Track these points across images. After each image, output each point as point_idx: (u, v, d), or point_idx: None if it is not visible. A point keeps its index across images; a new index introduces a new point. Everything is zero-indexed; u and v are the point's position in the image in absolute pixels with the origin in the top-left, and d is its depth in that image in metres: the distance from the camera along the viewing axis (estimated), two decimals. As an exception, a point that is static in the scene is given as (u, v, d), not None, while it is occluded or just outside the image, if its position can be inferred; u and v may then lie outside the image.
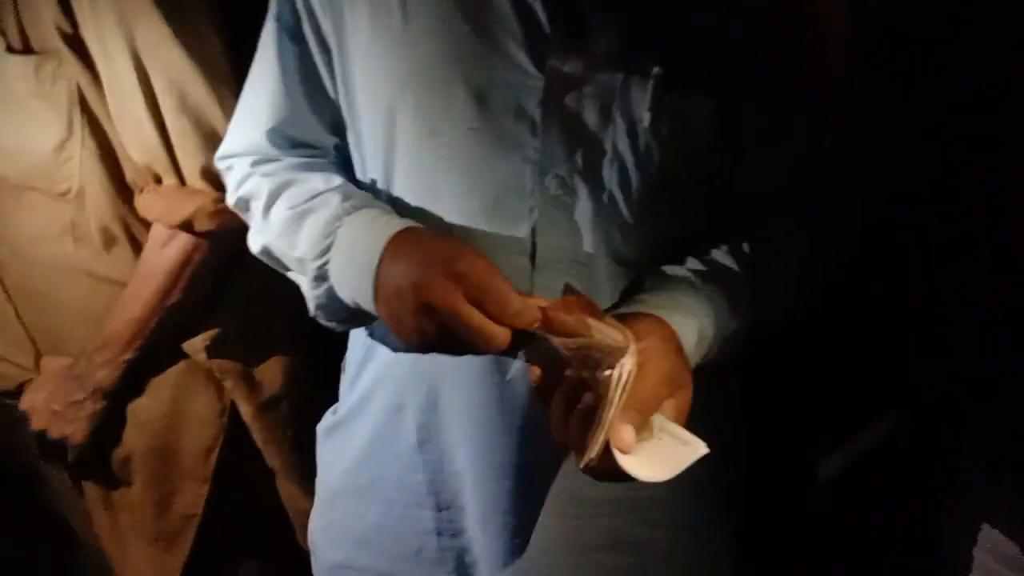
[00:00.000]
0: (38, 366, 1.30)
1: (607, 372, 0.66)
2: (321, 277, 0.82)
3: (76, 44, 1.11)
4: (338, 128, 0.90)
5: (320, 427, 1.03)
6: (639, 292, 0.81)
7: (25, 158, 1.17)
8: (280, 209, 0.86)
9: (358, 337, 0.97)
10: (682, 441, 0.69)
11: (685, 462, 0.68)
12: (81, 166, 1.17)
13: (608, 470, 0.68)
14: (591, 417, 0.67)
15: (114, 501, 1.33)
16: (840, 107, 0.86)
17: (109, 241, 1.21)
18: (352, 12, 0.82)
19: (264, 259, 0.91)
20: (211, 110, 1.13)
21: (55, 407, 1.25)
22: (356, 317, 0.84)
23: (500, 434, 0.88)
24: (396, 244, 0.76)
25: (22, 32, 1.12)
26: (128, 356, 1.23)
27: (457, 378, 0.88)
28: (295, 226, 0.84)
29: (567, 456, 0.88)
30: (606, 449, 0.67)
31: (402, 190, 0.86)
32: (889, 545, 1.09)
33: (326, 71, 0.87)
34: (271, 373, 1.33)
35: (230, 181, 0.94)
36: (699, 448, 0.68)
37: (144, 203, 1.18)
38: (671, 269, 0.83)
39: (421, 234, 0.77)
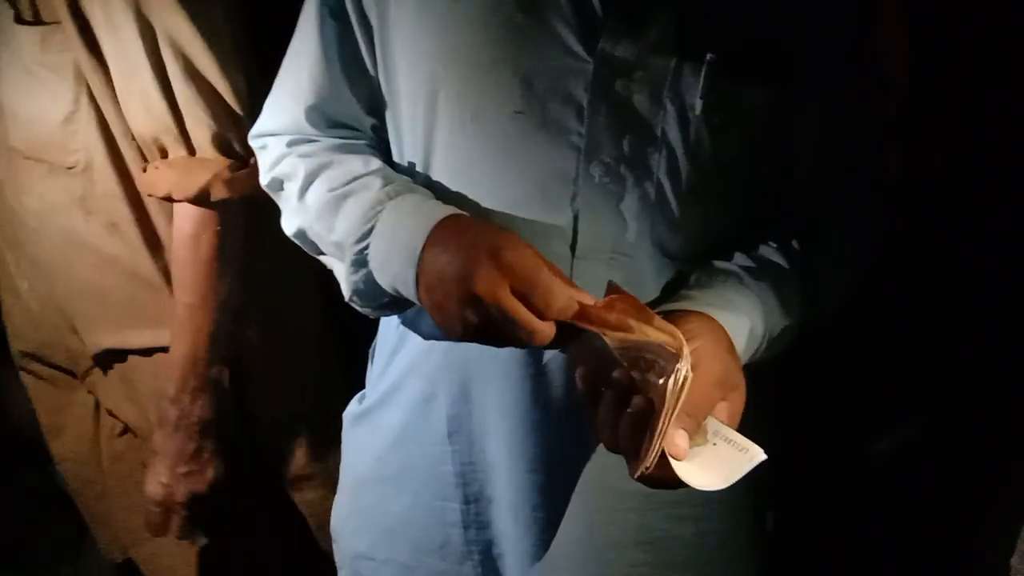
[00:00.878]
0: (49, 343, 1.28)
1: (662, 380, 0.63)
2: (360, 262, 0.80)
3: (79, 16, 1.08)
4: (377, 109, 0.88)
5: (347, 413, 1.01)
6: (686, 287, 0.79)
7: (35, 129, 1.15)
8: (318, 191, 0.84)
9: (389, 324, 0.95)
10: (738, 447, 0.66)
11: (742, 470, 0.65)
12: (87, 140, 1.15)
13: (662, 478, 0.66)
14: (642, 422, 0.65)
15: (128, 486, 1.31)
16: (894, 104, 0.84)
17: (118, 219, 1.18)
18: None
19: (298, 242, 0.89)
20: (218, 78, 1.09)
21: (181, 471, 1.20)
22: (393, 304, 0.83)
23: (533, 427, 0.86)
24: (441, 231, 0.74)
25: (32, 2, 1.11)
26: (211, 372, 1.18)
27: (491, 369, 0.86)
28: (334, 209, 0.82)
29: (600, 450, 0.87)
30: (660, 456, 0.65)
31: (440, 174, 0.84)
32: (922, 544, 1.07)
33: (367, 50, 0.85)
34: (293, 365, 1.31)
35: (264, 160, 0.92)
36: (756, 455, 0.66)
37: (153, 179, 1.14)
38: (719, 264, 0.81)
39: (467, 221, 0.75)
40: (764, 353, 0.79)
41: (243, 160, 1.13)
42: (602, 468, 0.88)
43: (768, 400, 0.88)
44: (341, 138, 0.90)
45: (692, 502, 0.90)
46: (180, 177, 1.12)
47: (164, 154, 1.13)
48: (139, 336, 1.23)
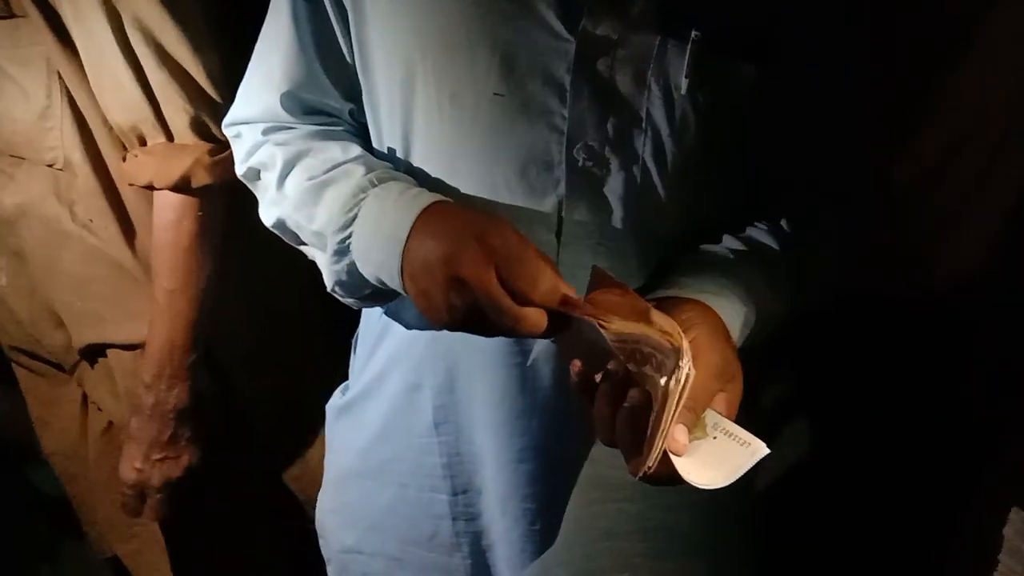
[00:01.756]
0: (34, 338, 1.26)
1: (664, 378, 0.61)
2: (342, 251, 0.78)
3: (46, 7, 1.06)
4: (354, 94, 0.86)
5: (330, 406, 1.00)
6: (677, 273, 0.77)
7: (10, 126, 1.13)
8: (297, 180, 0.82)
9: (372, 314, 0.93)
10: (739, 440, 0.64)
11: (745, 465, 0.63)
12: (63, 136, 1.12)
13: (663, 475, 0.64)
14: (639, 416, 0.63)
15: (113, 483, 1.28)
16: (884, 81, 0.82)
17: (99, 211, 1.16)
18: None
19: (277, 232, 0.87)
20: (192, 61, 1.07)
21: (156, 457, 1.19)
22: (376, 295, 0.80)
23: (521, 417, 0.84)
24: (427, 218, 0.72)
25: None
26: (189, 359, 1.16)
27: (477, 358, 0.84)
28: (314, 198, 0.80)
29: (590, 440, 0.86)
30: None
31: (420, 159, 0.82)
32: (915, 530, 1.07)
33: (342, 33, 0.82)
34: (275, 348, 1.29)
35: (239, 149, 0.90)
36: (759, 449, 0.63)
37: (133, 168, 1.12)
38: (710, 248, 0.79)
39: (453, 208, 0.73)
40: (755, 338, 0.77)
41: (223, 144, 1.10)
42: (592, 458, 0.87)
43: (759, 389, 0.87)
44: (318, 124, 0.88)
45: (685, 491, 0.88)
46: (160, 164, 1.10)
47: (143, 142, 1.11)
48: (122, 330, 1.21)
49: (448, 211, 0.73)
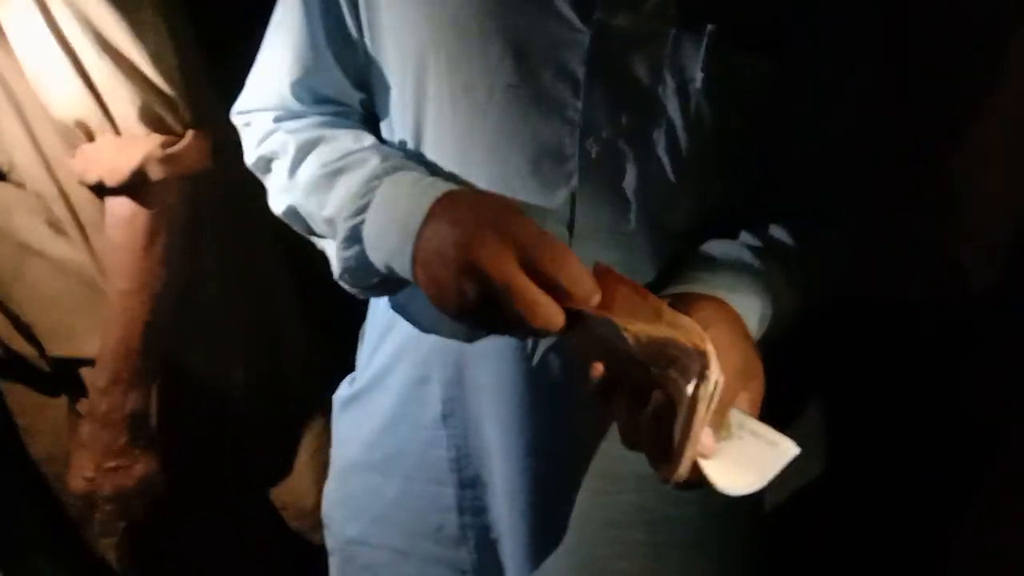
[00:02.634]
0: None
1: (691, 384, 0.59)
2: (353, 238, 0.77)
3: None
4: (365, 83, 0.85)
5: (336, 397, 0.99)
6: (692, 268, 0.76)
7: None
8: (309, 168, 0.81)
9: (379, 305, 0.92)
10: (767, 441, 0.62)
11: (775, 466, 0.61)
12: (8, 137, 1.06)
13: (693, 480, 0.62)
14: (663, 420, 0.61)
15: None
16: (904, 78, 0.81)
17: (57, 218, 1.10)
18: None
19: (287, 220, 0.86)
20: (135, 48, 1.00)
21: (108, 465, 1.13)
22: (384, 284, 0.80)
23: (530, 411, 0.84)
24: (442, 206, 0.71)
25: None
26: (145, 364, 1.10)
27: (486, 351, 0.83)
28: (326, 185, 0.79)
29: (598, 434, 0.85)
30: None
31: (431, 151, 0.81)
32: (917, 528, 1.06)
33: (353, 21, 0.82)
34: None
35: (248, 138, 0.89)
36: (788, 448, 0.61)
37: (83, 164, 1.04)
38: (724, 243, 0.79)
39: (468, 195, 0.72)
40: (771, 335, 0.76)
41: (178, 135, 1.05)
42: (600, 451, 0.86)
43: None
44: (329, 113, 0.87)
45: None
46: (111, 160, 1.03)
47: (90, 138, 1.04)
48: (94, 343, 1.13)
49: (464, 198, 0.71)
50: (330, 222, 0.80)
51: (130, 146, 1.03)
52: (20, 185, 1.09)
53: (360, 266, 0.78)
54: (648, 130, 0.75)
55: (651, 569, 0.90)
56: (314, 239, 0.85)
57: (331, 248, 0.82)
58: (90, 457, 1.13)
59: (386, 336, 0.91)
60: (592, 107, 0.75)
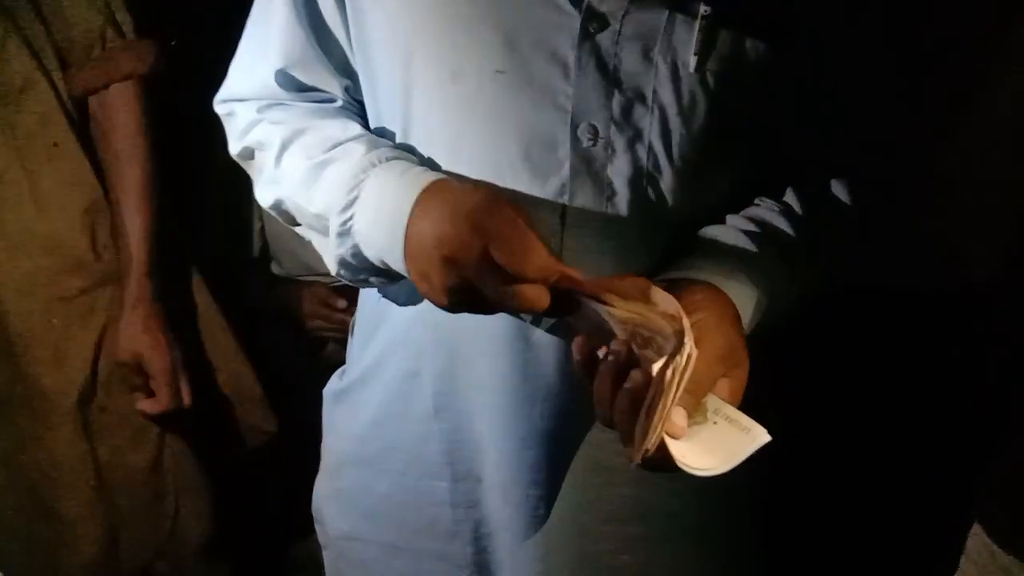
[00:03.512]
0: None
1: (663, 359, 0.59)
2: (345, 233, 0.75)
3: None
4: (351, 71, 0.84)
5: (327, 391, 0.98)
6: (687, 255, 0.75)
7: None
8: (295, 160, 0.80)
9: (370, 297, 0.91)
10: (740, 427, 0.62)
11: (744, 451, 0.61)
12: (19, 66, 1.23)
13: (659, 460, 0.62)
14: (638, 400, 0.61)
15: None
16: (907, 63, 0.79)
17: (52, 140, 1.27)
18: None
19: (274, 213, 0.85)
20: None
21: (158, 340, 1.29)
22: (382, 277, 0.78)
23: (523, 403, 0.82)
24: (425, 199, 0.70)
25: None
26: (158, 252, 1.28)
27: (478, 344, 0.82)
28: (313, 178, 0.78)
29: (592, 425, 0.84)
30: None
31: (420, 141, 0.79)
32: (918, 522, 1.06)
33: (338, 7, 0.80)
34: None
35: (232, 128, 0.87)
36: (759, 436, 0.61)
37: (112, 66, 1.26)
38: (720, 230, 0.77)
39: (450, 186, 0.71)
40: (765, 322, 0.75)
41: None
42: (594, 444, 0.85)
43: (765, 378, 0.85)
44: (314, 102, 0.85)
45: (687, 476, 0.86)
46: (139, 55, 1.24)
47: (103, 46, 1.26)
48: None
49: (445, 189, 0.70)
50: (319, 217, 0.78)
51: (143, 44, 1.29)
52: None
53: (356, 261, 0.77)
54: (639, 116, 0.74)
55: (651, 562, 0.89)
56: (299, 231, 0.84)
57: (322, 243, 0.80)
58: (156, 336, 1.30)
59: (378, 328, 0.89)
60: (583, 93, 0.73)
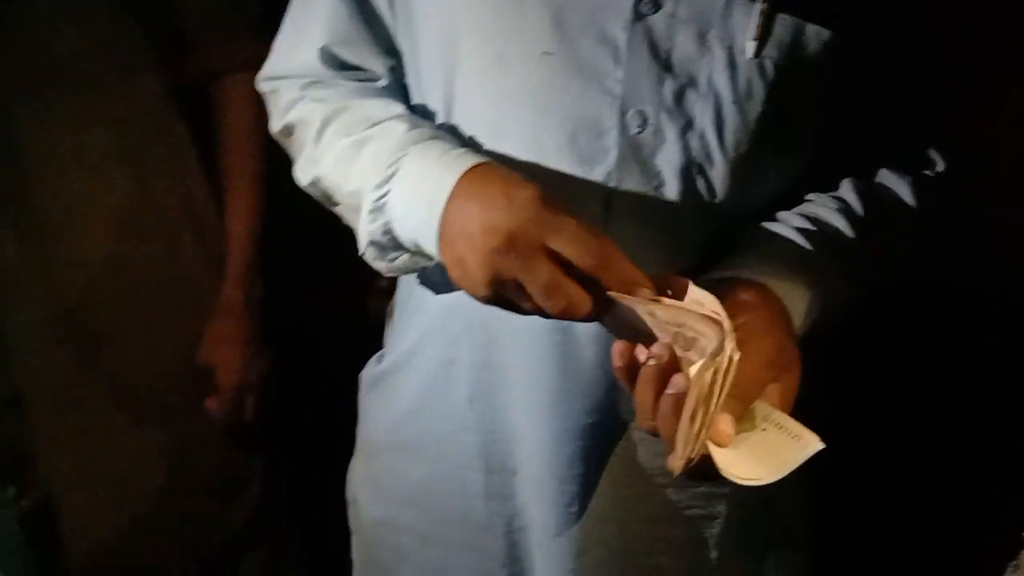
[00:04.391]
0: None
1: (700, 362, 0.56)
2: (379, 209, 0.73)
3: None
4: (396, 51, 0.82)
5: (364, 375, 0.96)
6: (737, 253, 0.72)
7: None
8: (334, 137, 0.78)
9: (408, 282, 0.89)
10: (790, 434, 0.58)
11: (794, 460, 0.57)
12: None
13: (704, 468, 0.59)
14: (681, 405, 0.58)
15: None
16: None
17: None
18: None
19: (311, 192, 0.83)
20: None
21: (251, 352, 1.27)
22: (410, 260, 0.76)
23: (560, 398, 0.80)
24: (471, 180, 0.66)
25: None
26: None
27: (516, 335, 0.80)
28: (352, 156, 0.76)
29: (631, 423, 0.82)
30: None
31: (464, 123, 0.77)
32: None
33: None
34: None
35: (275, 105, 0.86)
36: (811, 443, 0.58)
37: (228, 53, 1.24)
38: (773, 227, 0.74)
39: (499, 171, 0.67)
40: (822, 325, 0.71)
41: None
42: (632, 442, 0.83)
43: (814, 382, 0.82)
44: (358, 80, 0.83)
45: (730, 483, 0.84)
46: (262, 43, 1.17)
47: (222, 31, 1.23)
48: None
49: (494, 174, 0.67)
50: (355, 194, 0.76)
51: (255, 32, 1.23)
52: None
53: (386, 240, 0.75)
54: (692, 103, 0.71)
55: (689, 566, 0.86)
56: (337, 211, 0.82)
57: (356, 221, 0.78)
58: (235, 349, 1.27)
59: (415, 314, 0.88)
60: (633, 77, 0.70)
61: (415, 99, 0.82)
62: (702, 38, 0.69)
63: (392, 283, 0.94)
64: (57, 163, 1.18)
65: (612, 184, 0.73)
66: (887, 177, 0.78)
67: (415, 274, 0.86)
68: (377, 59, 0.82)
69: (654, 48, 0.70)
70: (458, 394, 0.85)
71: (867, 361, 1.04)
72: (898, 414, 1.12)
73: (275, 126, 0.86)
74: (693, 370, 0.57)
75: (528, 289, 0.62)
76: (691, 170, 0.73)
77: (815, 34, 0.69)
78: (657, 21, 0.69)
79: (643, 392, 0.61)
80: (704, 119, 0.71)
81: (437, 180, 0.68)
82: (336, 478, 1.01)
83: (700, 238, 0.75)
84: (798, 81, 0.70)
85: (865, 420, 1.09)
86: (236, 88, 1.27)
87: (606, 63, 0.70)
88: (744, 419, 0.60)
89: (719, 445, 0.58)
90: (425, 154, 0.71)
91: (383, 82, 0.84)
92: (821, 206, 0.76)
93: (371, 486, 0.95)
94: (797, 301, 0.68)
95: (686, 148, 0.72)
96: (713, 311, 0.58)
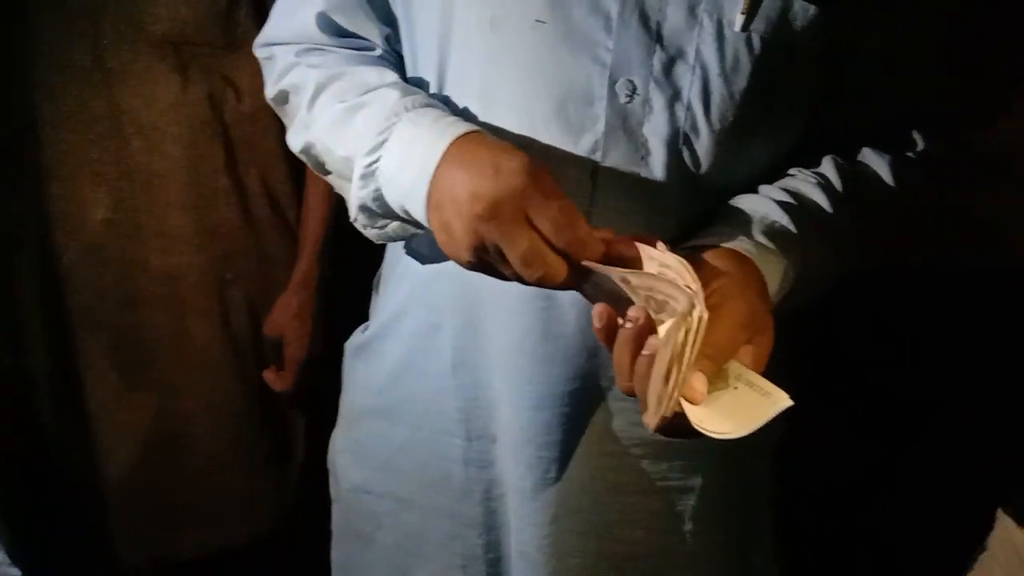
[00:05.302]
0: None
1: (671, 321, 0.58)
2: (369, 175, 0.74)
3: None
4: (391, 18, 0.83)
5: (348, 344, 0.97)
6: (717, 222, 0.73)
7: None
8: (328, 103, 0.79)
9: (394, 251, 0.90)
10: (761, 391, 0.60)
11: (764, 415, 0.59)
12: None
13: (677, 425, 0.60)
14: (656, 365, 0.59)
15: None
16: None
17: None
18: None
19: (304, 158, 0.84)
20: None
21: (308, 330, 1.30)
22: (400, 227, 0.78)
23: (540, 363, 0.81)
24: (461, 147, 0.68)
25: None
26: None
27: (499, 301, 0.81)
28: (344, 121, 0.77)
29: (611, 392, 0.83)
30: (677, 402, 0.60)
31: (456, 90, 0.78)
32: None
33: None
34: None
35: (270, 71, 0.87)
36: (780, 400, 0.60)
37: None
38: (753, 199, 0.75)
39: (489, 140, 0.69)
40: (797, 297, 0.73)
41: None
42: (610, 412, 0.84)
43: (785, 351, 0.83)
44: (353, 48, 0.84)
45: (705, 452, 0.85)
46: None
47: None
48: None
49: (484, 142, 0.69)
50: (347, 160, 0.77)
51: None
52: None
53: (376, 205, 0.76)
54: (680, 74, 0.72)
55: (661, 537, 0.88)
56: (330, 179, 0.83)
57: (347, 187, 0.79)
58: (304, 323, 1.31)
59: (400, 281, 0.89)
60: (624, 47, 0.72)
61: (409, 65, 0.83)
62: (692, 10, 0.70)
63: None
64: (155, 131, 1.24)
65: (599, 153, 0.74)
66: (869, 156, 0.80)
67: (402, 244, 0.87)
68: (373, 26, 0.83)
69: (645, 19, 0.71)
70: (441, 359, 0.86)
71: (843, 334, 1.06)
72: (869, 390, 1.13)
73: (270, 92, 0.87)
74: (663, 328, 0.59)
75: (508, 256, 0.65)
76: (677, 141, 0.74)
77: (802, 10, 0.70)
78: None
79: (620, 354, 0.63)
80: (692, 90, 0.72)
81: (428, 146, 0.70)
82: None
83: (684, 209, 0.76)
84: (784, 57, 0.72)
85: (835, 394, 1.11)
86: None
87: (597, 32, 0.72)
88: (717, 378, 0.61)
89: (692, 403, 0.60)
90: (417, 121, 0.72)
91: (378, 51, 0.85)
92: (802, 181, 0.77)
93: (351, 452, 0.96)
94: (771, 268, 0.69)
95: (673, 119, 0.73)
96: (681, 273, 0.60)
